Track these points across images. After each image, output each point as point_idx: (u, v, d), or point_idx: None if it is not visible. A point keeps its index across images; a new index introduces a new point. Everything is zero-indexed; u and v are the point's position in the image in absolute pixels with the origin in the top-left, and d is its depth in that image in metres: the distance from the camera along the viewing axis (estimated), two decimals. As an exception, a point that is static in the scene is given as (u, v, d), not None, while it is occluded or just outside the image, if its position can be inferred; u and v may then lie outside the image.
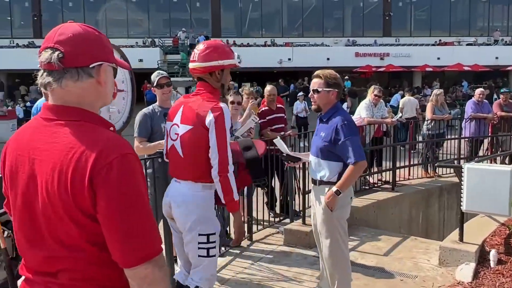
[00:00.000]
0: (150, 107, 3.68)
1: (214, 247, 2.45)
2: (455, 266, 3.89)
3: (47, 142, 1.22)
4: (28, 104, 20.18)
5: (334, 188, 2.93)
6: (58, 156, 1.18)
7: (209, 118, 2.30)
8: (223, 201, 2.39)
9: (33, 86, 25.16)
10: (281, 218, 5.40)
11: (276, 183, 5.69)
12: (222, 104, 2.38)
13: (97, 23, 30.06)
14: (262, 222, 5.24)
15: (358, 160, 2.89)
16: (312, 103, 3.17)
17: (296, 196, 5.34)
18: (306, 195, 4.95)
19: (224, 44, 2.62)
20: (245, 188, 4.78)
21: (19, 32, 28.99)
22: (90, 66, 1.25)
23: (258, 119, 4.67)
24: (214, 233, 2.46)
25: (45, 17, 28.98)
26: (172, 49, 27.22)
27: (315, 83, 3.13)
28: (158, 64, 23.68)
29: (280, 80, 20.43)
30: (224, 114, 2.32)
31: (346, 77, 24.10)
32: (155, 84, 3.64)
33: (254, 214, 5.24)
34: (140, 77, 22.97)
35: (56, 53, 1.21)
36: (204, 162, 2.35)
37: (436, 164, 5.51)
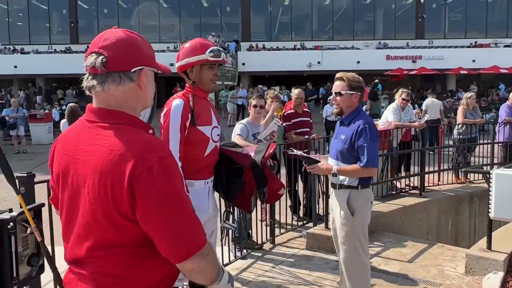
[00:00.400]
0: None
1: None
2: (482, 275, 3.77)
3: (90, 143, 1.28)
4: (64, 107, 20.90)
5: (335, 168, 2.93)
6: (99, 158, 1.24)
7: (161, 114, 2.44)
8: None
9: (69, 90, 26.15)
10: (304, 222, 5.39)
11: (299, 187, 5.67)
12: (176, 101, 2.44)
13: (131, 28, 30.62)
14: (285, 226, 5.24)
15: (369, 166, 2.86)
16: (335, 105, 3.15)
17: (320, 199, 5.31)
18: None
19: (197, 41, 2.53)
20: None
21: (57, 38, 30.17)
22: (132, 70, 1.30)
23: (280, 122, 4.68)
24: None
25: (81, 24, 30.05)
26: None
27: (337, 85, 3.09)
28: (188, 68, 24.07)
29: (308, 84, 20.32)
30: (171, 110, 2.40)
31: (377, 80, 23.70)
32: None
33: (277, 218, 5.26)
34: (171, 80, 23.51)
35: (100, 57, 1.27)
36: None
37: (463, 170, 5.32)
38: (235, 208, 4.21)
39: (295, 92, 5.56)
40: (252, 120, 4.57)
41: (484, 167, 7.12)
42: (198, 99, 2.51)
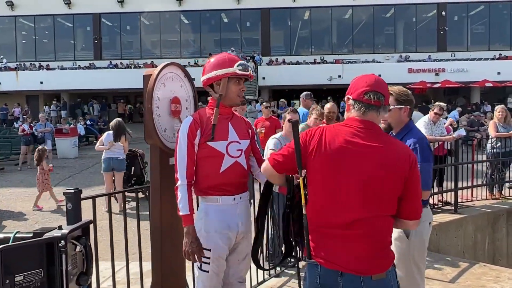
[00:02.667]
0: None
1: (208, 263, 2.40)
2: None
3: (370, 142, 1.85)
4: (88, 122, 21.26)
5: None
6: (384, 154, 1.84)
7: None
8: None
9: (96, 105, 26.67)
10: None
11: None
12: (191, 116, 2.40)
13: (153, 44, 31.47)
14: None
15: (422, 189, 2.61)
16: (382, 121, 2.68)
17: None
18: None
19: (225, 55, 2.52)
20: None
21: (81, 54, 30.91)
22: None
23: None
24: (209, 250, 2.39)
25: (104, 40, 30.75)
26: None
27: None
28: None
29: (329, 98, 20.23)
30: (182, 124, 2.36)
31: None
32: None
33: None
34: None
35: (381, 96, 1.93)
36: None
37: (507, 186, 5.11)
38: (269, 225, 4.13)
39: (327, 106, 5.48)
40: (285, 134, 4.50)
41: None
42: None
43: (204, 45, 31.30)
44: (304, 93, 7.37)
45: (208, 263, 2.40)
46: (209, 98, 2.51)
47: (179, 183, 2.30)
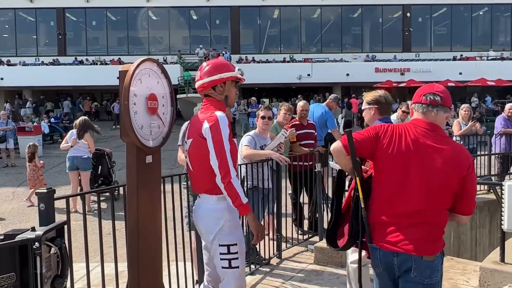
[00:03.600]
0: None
1: (237, 258, 2.45)
2: (497, 288, 3.72)
3: (435, 143, 2.11)
4: (52, 120, 20.56)
5: None
6: (447, 155, 2.09)
7: (205, 126, 2.39)
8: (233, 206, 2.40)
9: (66, 101, 25.83)
10: (309, 235, 5.30)
11: (305, 200, 5.58)
12: (218, 113, 2.42)
13: (120, 41, 30.79)
14: (291, 240, 5.15)
15: None
16: None
17: (325, 212, 5.23)
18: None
19: (224, 60, 2.75)
20: (274, 205, 4.72)
21: (44, 50, 29.87)
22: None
23: (287, 133, 4.62)
24: (235, 244, 2.45)
25: (69, 36, 29.82)
26: (192, 66, 27.57)
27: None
28: (178, 81, 24.00)
29: (299, 96, 20.42)
30: (219, 121, 2.38)
31: (364, 93, 23.93)
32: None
33: (283, 232, 5.17)
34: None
35: (437, 96, 2.17)
36: (212, 173, 2.38)
37: (479, 182, 5.33)
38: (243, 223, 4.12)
39: (300, 104, 5.53)
40: (259, 131, 4.50)
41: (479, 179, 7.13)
42: None
43: (173, 42, 30.92)
44: (333, 95, 7.26)
45: (237, 258, 2.44)
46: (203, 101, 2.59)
47: (232, 175, 2.33)
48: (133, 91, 2.26)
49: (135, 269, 2.35)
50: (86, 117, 8.37)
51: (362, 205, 2.12)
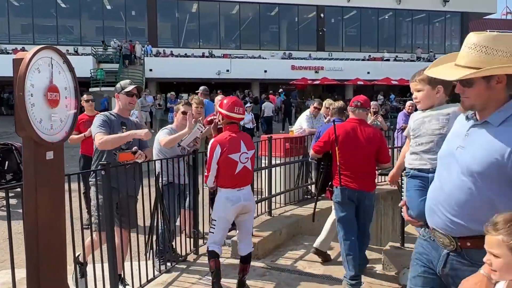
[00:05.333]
0: (107, 113, 3.57)
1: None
2: (398, 271, 4.04)
3: (363, 128, 4.02)
4: None
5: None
6: (367, 135, 3.96)
7: None
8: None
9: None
10: (228, 230, 5.31)
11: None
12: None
13: (24, 28, 28.30)
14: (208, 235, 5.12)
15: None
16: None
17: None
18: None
19: (234, 101, 3.71)
20: (191, 201, 4.66)
21: None
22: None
23: (204, 128, 4.58)
24: None
25: (-37, 20, 26.76)
26: (106, 58, 26.24)
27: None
28: (91, 73, 22.70)
29: (218, 91, 20.32)
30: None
31: (281, 90, 24.69)
32: (126, 91, 3.60)
33: (200, 228, 5.13)
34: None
35: (359, 102, 4.15)
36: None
37: (378, 173, 5.73)
38: (159, 220, 4.02)
39: (218, 98, 5.53)
40: (176, 126, 4.41)
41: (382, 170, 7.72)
42: None
43: (85, 33, 29.17)
44: (202, 87, 7.30)
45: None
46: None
47: None
48: (29, 81, 2.07)
49: (34, 274, 2.17)
50: None
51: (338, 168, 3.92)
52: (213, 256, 3.59)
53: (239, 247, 3.79)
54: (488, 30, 36.94)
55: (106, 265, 3.24)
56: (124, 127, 3.55)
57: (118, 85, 3.70)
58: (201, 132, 4.50)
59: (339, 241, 4.06)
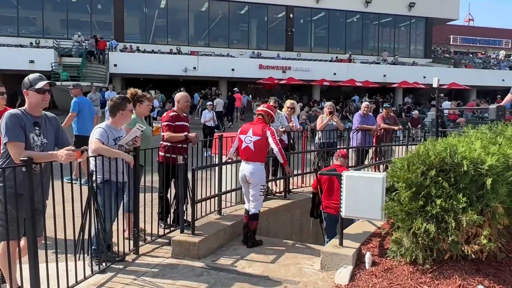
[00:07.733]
0: (18, 111, 3.32)
1: (263, 191, 5.18)
2: (335, 270, 4.06)
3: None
4: None
5: None
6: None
7: (268, 132, 4.96)
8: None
9: None
10: (171, 229, 5.23)
11: (172, 193, 5.46)
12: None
13: (-20, 18, 27.14)
14: (152, 234, 5.02)
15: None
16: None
17: (188, 205, 5.20)
18: (196, 204, 4.86)
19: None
20: (132, 201, 4.54)
21: None
22: None
23: (143, 127, 4.47)
24: (264, 185, 5.28)
25: None
26: (69, 52, 25.45)
27: None
28: (52, 67, 21.96)
29: (182, 89, 20.04)
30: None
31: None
32: (37, 88, 3.29)
33: (144, 226, 5.02)
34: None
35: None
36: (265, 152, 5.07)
37: (319, 172, 5.78)
38: (91, 220, 3.88)
39: (180, 94, 5.58)
40: (113, 123, 4.26)
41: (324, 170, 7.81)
42: None
43: (48, 25, 28.23)
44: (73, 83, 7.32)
45: (263, 191, 5.29)
46: None
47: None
48: None
49: None
50: None
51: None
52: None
53: (248, 206, 5.09)
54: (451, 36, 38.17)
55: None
56: (38, 128, 3.33)
57: (26, 80, 3.35)
58: (141, 131, 4.39)
59: None
